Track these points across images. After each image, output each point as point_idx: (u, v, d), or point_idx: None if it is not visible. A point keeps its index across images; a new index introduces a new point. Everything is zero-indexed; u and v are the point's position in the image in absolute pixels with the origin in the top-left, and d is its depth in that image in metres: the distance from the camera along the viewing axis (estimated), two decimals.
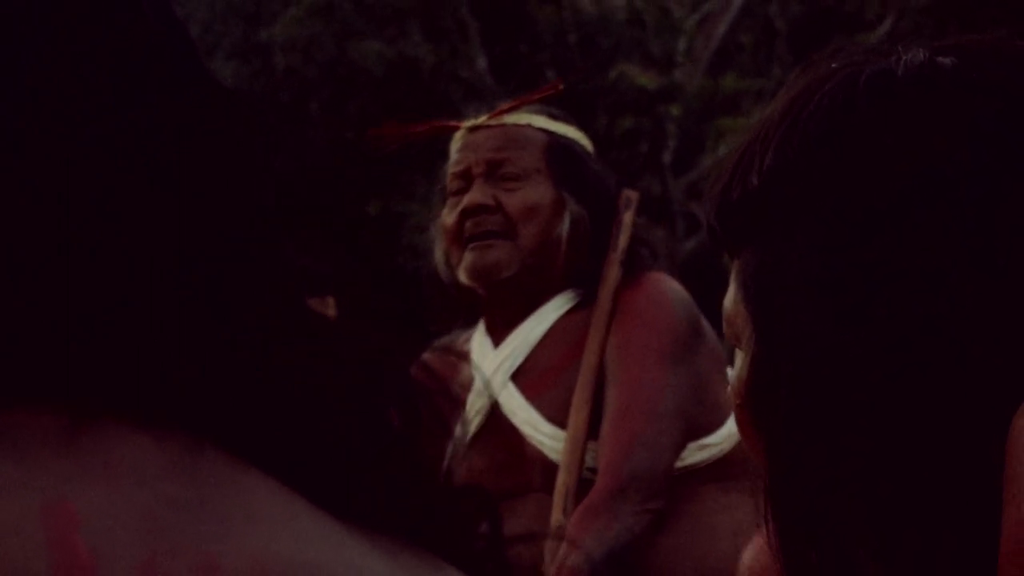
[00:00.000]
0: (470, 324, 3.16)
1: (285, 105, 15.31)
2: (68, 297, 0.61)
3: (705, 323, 3.05)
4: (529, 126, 3.10)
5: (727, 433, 2.96)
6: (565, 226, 3.04)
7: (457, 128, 3.13)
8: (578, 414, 2.93)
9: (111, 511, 0.60)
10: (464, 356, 3.15)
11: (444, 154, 3.19)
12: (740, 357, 1.14)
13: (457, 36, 16.65)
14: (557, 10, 16.85)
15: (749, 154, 1.13)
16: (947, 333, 1.01)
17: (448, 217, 3.07)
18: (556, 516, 2.88)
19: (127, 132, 0.63)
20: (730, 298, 1.17)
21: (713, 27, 17.20)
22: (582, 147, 3.14)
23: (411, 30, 16.53)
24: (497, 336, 3.10)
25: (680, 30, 16.89)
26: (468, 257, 3.02)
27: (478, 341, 3.13)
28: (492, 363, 3.06)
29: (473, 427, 3.05)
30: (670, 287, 3.06)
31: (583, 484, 2.91)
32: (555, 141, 3.10)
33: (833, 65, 1.12)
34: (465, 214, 3.03)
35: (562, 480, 2.91)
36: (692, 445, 2.96)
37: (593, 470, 2.93)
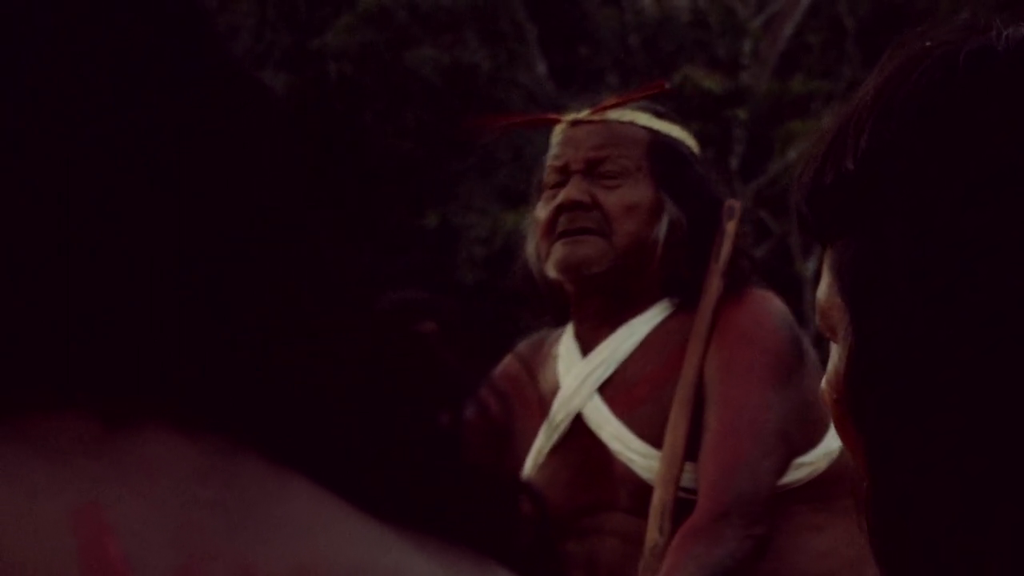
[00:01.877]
0: (559, 321, 3.15)
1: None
2: (68, 297, 0.62)
3: (807, 342, 3.03)
4: (632, 123, 3.07)
5: (823, 451, 2.94)
6: (662, 228, 3.00)
7: (558, 121, 3.11)
8: (676, 431, 2.91)
9: (145, 515, 0.61)
10: (545, 360, 3.13)
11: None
12: (835, 350, 1.14)
13: (515, 41, 16.66)
14: (618, 12, 16.84)
15: (842, 137, 1.11)
16: None
17: (542, 211, 3.04)
18: (652, 535, 2.86)
19: (127, 132, 0.64)
20: (823, 289, 1.15)
21: (780, 27, 17.15)
22: (687, 148, 3.10)
23: (467, 36, 16.56)
24: (586, 343, 3.07)
25: (746, 31, 16.84)
26: (559, 250, 2.99)
27: (566, 346, 3.10)
28: (580, 372, 3.03)
29: (556, 437, 3.04)
30: (774, 306, 3.02)
31: (679, 503, 2.90)
32: (658, 140, 3.06)
33: (927, 43, 1.12)
34: (560, 209, 3.00)
35: (658, 497, 2.88)
36: (791, 464, 2.94)
37: (688, 490, 2.91)
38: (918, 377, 1.04)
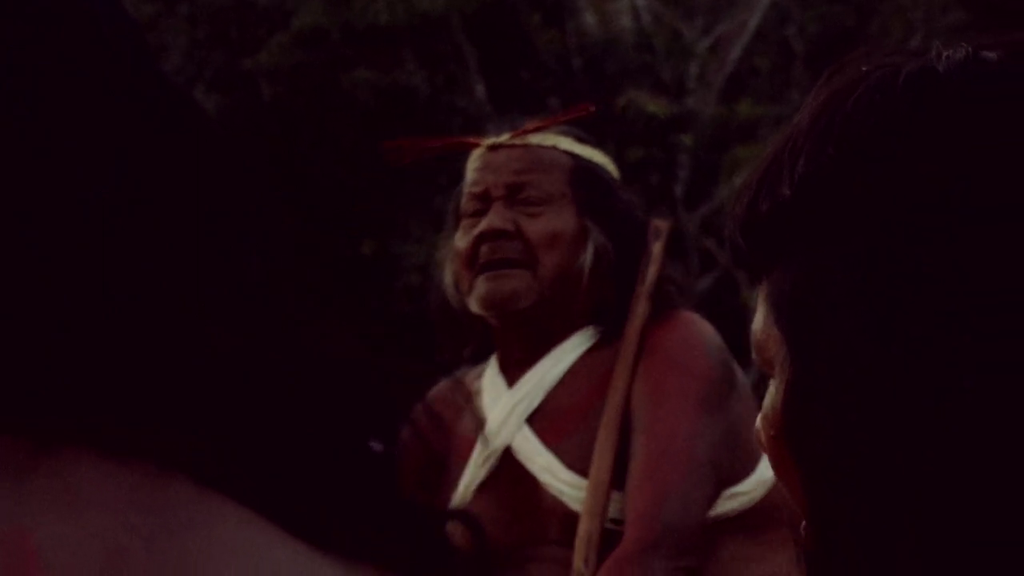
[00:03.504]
0: (480, 355, 3.14)
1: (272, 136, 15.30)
2: (23, 313, 0.63)
3: (737, 367, 3.03)
4: (555, 148, 3.05)
5: (757, 480, 2.94)
6: (588, 256, 3.00)
7: (476, 145, 3.09)
8: (602, 459, 2.90)
9: (73, 541, 0.61)
10: (470, 397, 3.12)
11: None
12: (773, 384, 1.15)
13: (454, 63, 16.67)
14: (560, 34, 16.88)
15: (777, 164, 1.12)
16: (1003, 339, 1.02)
17: (462, 240, 3.02)
18: (577, 565, 2.85)
19: (93, 151, 0.65)
20: (759, 322, 1.16)
21: (727, 50, 17.23)
22: (609, 173, 3.10)
23: (405, 57, 16.55)
24: (511, 374, 3.06)
25: (692, 54, 16.92)
26: (482, 285, 2.97)
27: (490, 379, 3.09)
28: (506, 404, 3.03)
29: (483, 473, 3.03)
30: (702, 328, 3.02)
31: (606, 534, 2.90)
32: (581, 165, 3.06)
33: (864, 68, 1.13)
34: (482, 239, 2.98)
35: (584, 527, 2.88)
36: (723, 494, 2.94)
37: (616, 520, 2.91)
38: (858, 404, 1.05)
